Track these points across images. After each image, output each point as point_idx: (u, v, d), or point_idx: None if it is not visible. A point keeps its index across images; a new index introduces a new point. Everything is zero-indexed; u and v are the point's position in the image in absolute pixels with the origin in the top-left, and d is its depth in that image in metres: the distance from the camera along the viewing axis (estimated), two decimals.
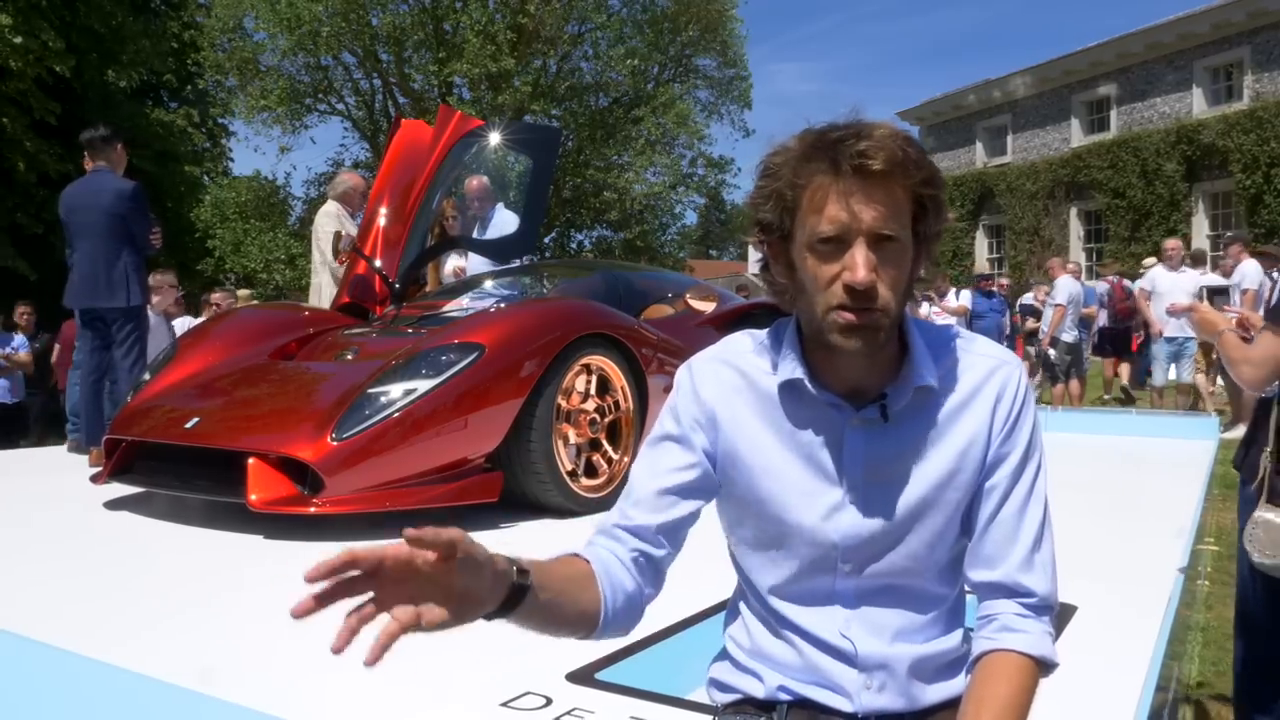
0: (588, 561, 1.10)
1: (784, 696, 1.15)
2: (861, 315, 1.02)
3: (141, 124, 17.79)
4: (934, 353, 1.12)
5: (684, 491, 1.15)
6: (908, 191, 1.02)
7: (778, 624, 1.16)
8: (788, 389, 1.12)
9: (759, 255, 1.13)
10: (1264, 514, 2.25)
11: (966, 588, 1.18)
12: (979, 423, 1.11)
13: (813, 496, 1.12)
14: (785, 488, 1.13)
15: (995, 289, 12.15)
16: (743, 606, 1.22)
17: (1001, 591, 1.10)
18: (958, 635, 1.17)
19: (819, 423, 1.11)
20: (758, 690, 1.17)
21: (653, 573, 1.15)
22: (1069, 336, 9.89)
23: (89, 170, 5.30)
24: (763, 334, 1.18)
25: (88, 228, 4.86)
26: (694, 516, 1.17)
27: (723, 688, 1.20)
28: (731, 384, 1.16)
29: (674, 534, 1.16)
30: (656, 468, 1.16)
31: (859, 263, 1.01)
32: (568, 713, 1.57)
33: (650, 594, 1.15)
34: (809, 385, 1.10)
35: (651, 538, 1.14)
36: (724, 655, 1.21)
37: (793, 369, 1.11)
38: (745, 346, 1.18)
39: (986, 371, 1.13)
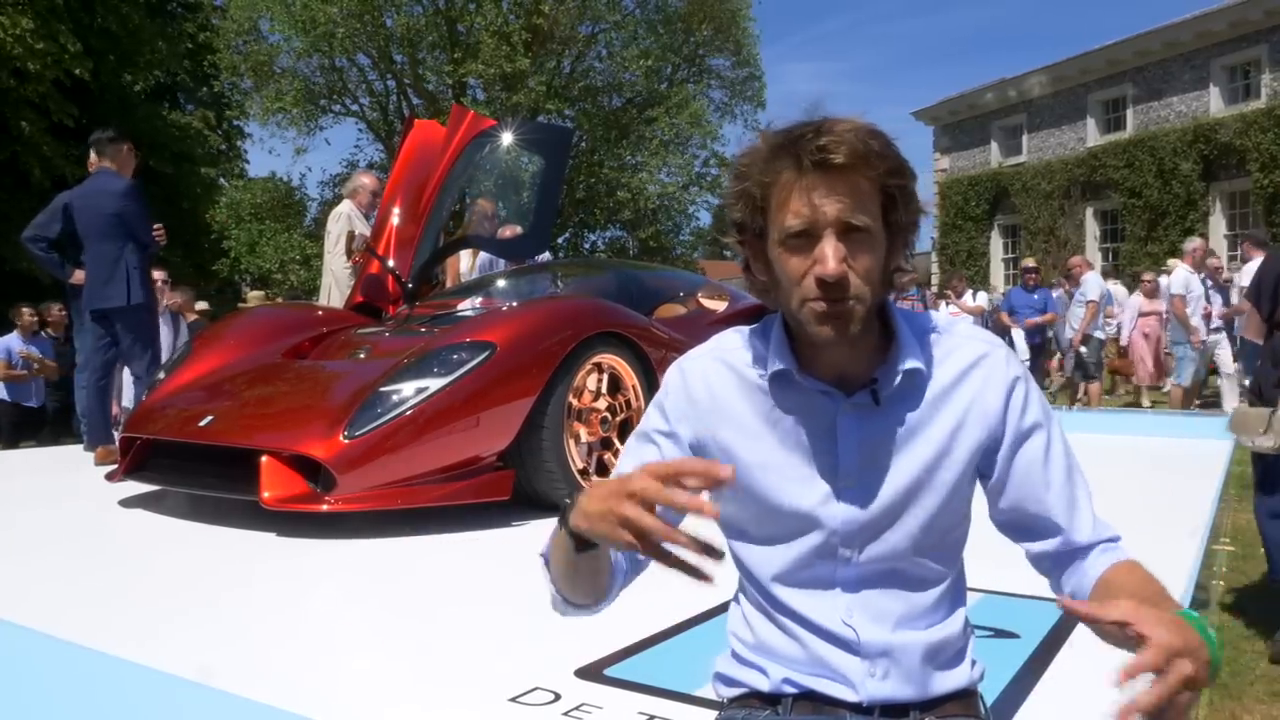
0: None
1: (789, 689, 1.15)
2: (834, 305, 1.04)
3: (158, 126, 17.93)
4: (919, 338, 1.14)
5: None
6: (874, 183, 1.04)
7: (780, 616, 1.17)
8: (778, 380, 1.14)
9: (742, 255, 1.15)
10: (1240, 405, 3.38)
11: (1025, 551, 1.20)
12: (969, 403, 1.13)
13: (810, 485, 1.13)
14: (782, 479, 1.14)
15: (1040, 283, 10.88)
16: (744, 601, 1.22)
17: (1086, 547, 1.15)
18: (959, 621, 1.17)
19: (811, 412, 1.13)
20: (762, 684, 1.17)
21: (632, 561, 1.18)
22: (1101, 334, 9.80)
23: (92, 171, 5.35)
24: (750, 329, 1.20)
25: (92, 229, 4.91)
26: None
27: (728, 682, 1.21)
28: (723, 380, 1.17)
29: None
30: (640, 463, 1.16)
31: (828, 255, 1.03)
32: (576, 708, 1.57)
33: (630, 578, 1.20)
34: (797, 375, 1.12)
35: None
36: (728, 651, 1.22)
37: (781, 360, 1.12)
38: (734, 343, 1.20)
39: (975, 354, 1.15)
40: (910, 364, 1.10)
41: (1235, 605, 3.88)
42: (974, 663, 1.19)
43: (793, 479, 1.13)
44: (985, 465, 1.15)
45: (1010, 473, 1.15)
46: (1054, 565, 1.17)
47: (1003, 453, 1.14)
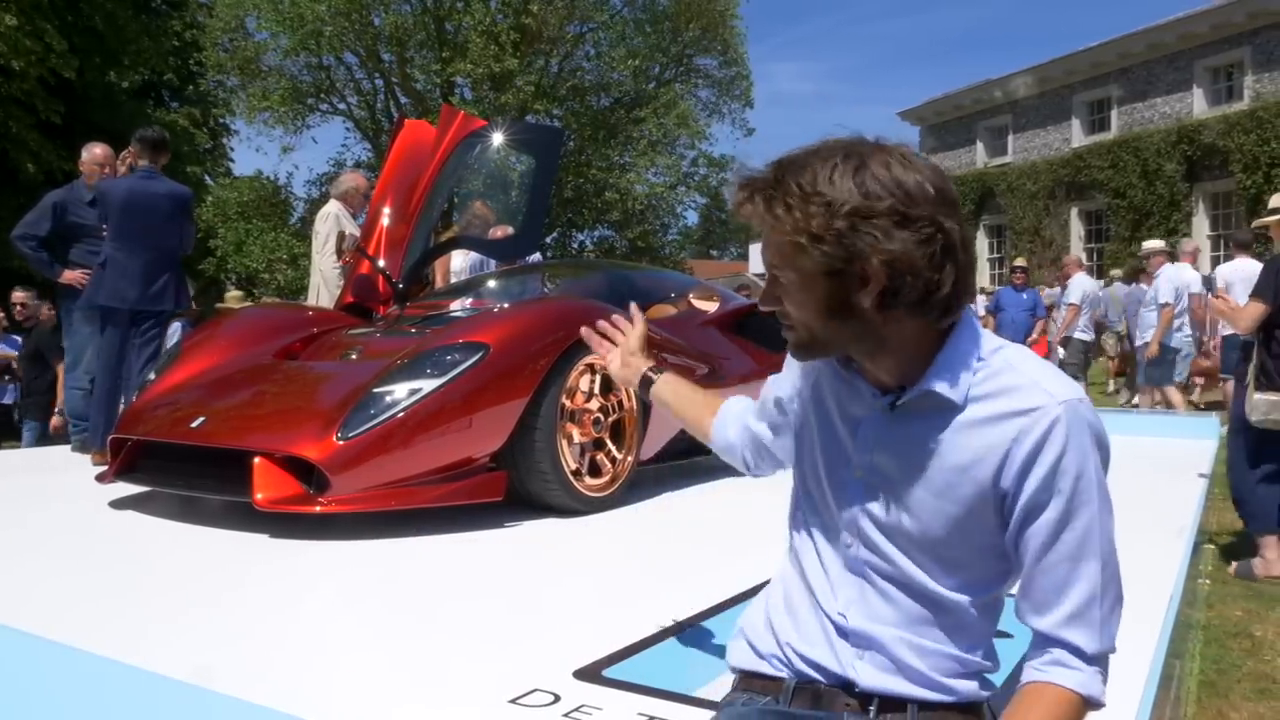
0: (715, 411, 1.55)
1: (791, 656, 1.21)
2: (787, 331, 1.15)
3: (143, 124, 17.84)
4: (970, 366, 1.11)
5: (773, 427, 1.40)
6: (776, 243, 1.10)
7: (794, 586, 1.25)
8: (842, 371, 1.21)
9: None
10: (1258, 395, 4.25)
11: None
12: (991, 450, 1.09)
13: (832, 470, 1.21)
14: (817, 457, 1.23)
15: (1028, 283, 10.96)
16: (781, 568, 1.31)
17: (1049, 641, 1.11)
18: (975, 647, 1.18)
19: (852, 402, 1.20)
20: (769, 646, 1.24)
21: (755, 453, 1.48)
22: (1087, 336, 9.85)
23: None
24: None
25: (142, 229, 4.80)
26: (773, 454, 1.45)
27: (745, 641, 1.29)
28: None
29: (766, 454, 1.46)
30: (764, 407, 1.41)
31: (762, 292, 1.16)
32: (575, 709, 1.58)
33: (754, 468, 1.51)
34: (842, 369, 1.20)
35: (750, 428, 1.47)
36: (756, 610, 1.31)
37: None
38: None
39: (1023, 406, 1.08)
40: (932, 385, 1.11)
41: (1221, 604, 3.93)
42: (989, 681, 1.20)
43: (823, 461, 1.23)
44: (1007, 515, 1.12)
45: (1019, 536, 1.11)
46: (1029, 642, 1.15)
47: (1016, 514, 1.10)
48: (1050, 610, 1.10)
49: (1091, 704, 1.09)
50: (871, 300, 1.06)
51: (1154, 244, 9.43)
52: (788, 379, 1.33)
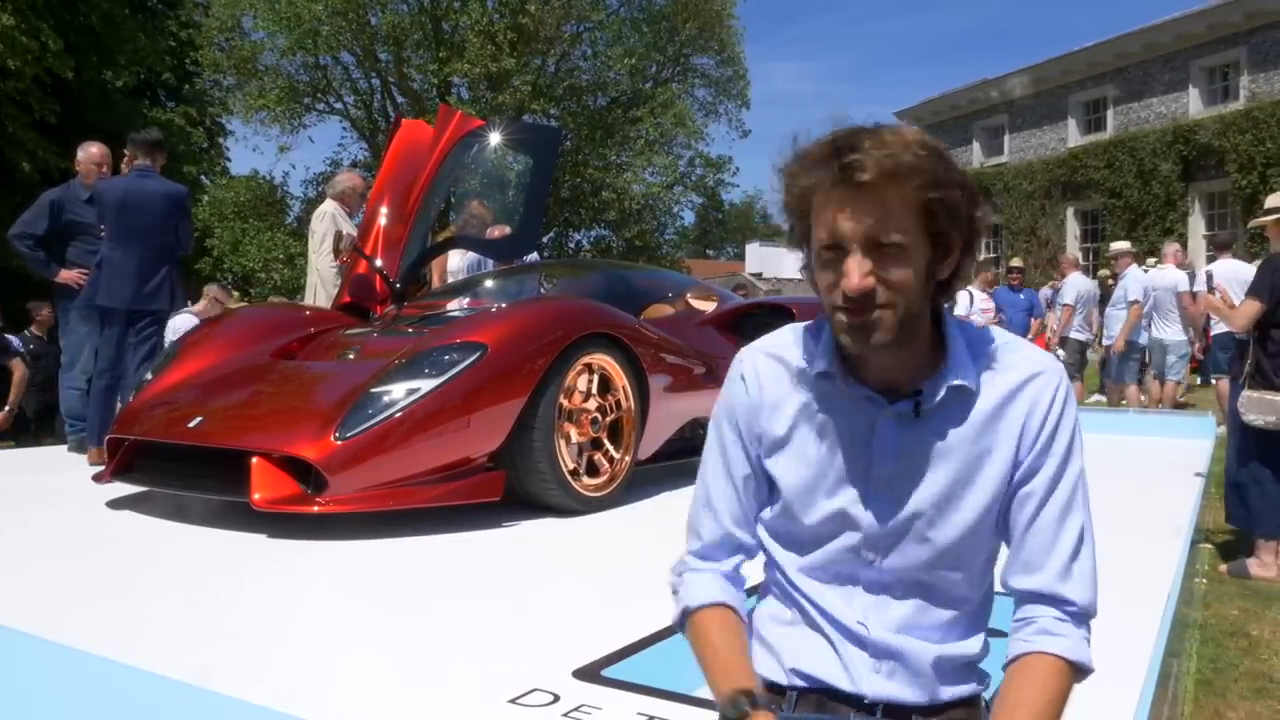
0: (732, 608, 1.21)
1: (797, 681, 1.17)
2: (857, 317, 1.05)
3: (139, 123, 17.82)
4: (974, 353, 1.13)
5: (759, 487, 1.23)
6: (907, 198, 1.03)
7: (797, 607, 1.20)
8: (823, 381, 1.16)
9: (801, 256, 1.16)
10: (1248, 393, 4.27)
11: (1001, 591, 1.19)
12: (1009, 427, 1.12)
13: (841, 486, 1.15)
14: (817, 475, 1.16)
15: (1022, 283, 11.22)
16: (771, 586, 1.25)
17: (1040, 599, 1.12)
18: (978, 640, 1.19)
19: (853, 414, 1.15)
20: (773, 670, 1.19)
21: (747, 560, 1.27)
22: (1082, 335, 9.89)
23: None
24: (806, 327, 1.22)
25: (137, 228, 4.81)
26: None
27: None
28: (775, 374, 1.20)
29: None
30: (732, 474, 1.23)
31: (852, 270, 1.04)
32: (575, 709, 1.58)
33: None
34: (840, 380, 1.14)
35: (745, 542, 1.25)
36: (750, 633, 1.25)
37: (826, 362, 1.14)
38: (789, 339, 1.22)
39: (1024, 377, 1.13)
40: (957, 381, 1.11)
41: (1218, 603, 3.94)
42: (985, 674, 1.20)
43: (827, 477, 1.16)
44: (1008, 481, 1.14)
45: (1012, 498, 1.13)
46: (1014, 600, 1.16)
47: (1018, 478, 1.13)
48: (1041, 567, 1.11)
49: (1080, 669, 1.09)
50: (943, 274, 1.09)
51: (1120, 245, 9.60)
52: (735, 448, 1.22)
